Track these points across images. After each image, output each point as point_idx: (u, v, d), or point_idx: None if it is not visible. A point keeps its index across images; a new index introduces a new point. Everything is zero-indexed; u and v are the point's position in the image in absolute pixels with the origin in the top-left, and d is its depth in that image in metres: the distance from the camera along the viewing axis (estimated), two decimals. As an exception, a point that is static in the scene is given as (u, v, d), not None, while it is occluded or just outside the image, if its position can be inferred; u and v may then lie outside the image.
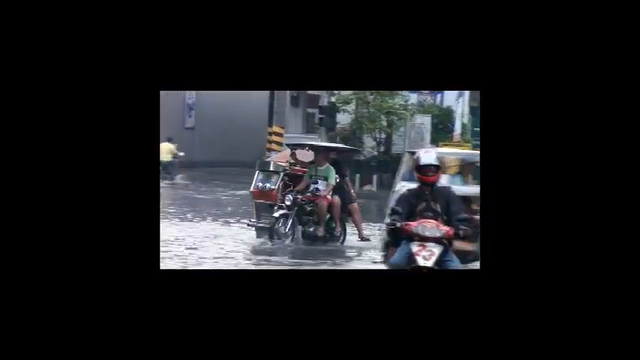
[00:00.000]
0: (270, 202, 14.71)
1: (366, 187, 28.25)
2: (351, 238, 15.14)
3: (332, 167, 14.78)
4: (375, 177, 28.30)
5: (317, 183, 14.72)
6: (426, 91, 28.47)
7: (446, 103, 28.54)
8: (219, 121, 32.57)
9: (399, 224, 8.05)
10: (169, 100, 32.65)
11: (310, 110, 32.68)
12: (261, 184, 15.01)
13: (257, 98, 29.91)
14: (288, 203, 14.48)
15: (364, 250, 14.21)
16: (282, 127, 29.27)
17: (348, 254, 14.22)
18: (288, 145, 17.41)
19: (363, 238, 15.09)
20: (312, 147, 15.72)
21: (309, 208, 14.70)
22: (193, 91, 31.70)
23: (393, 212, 8.31)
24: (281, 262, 12.83)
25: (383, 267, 10.42)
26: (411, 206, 8.28)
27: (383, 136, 29.75)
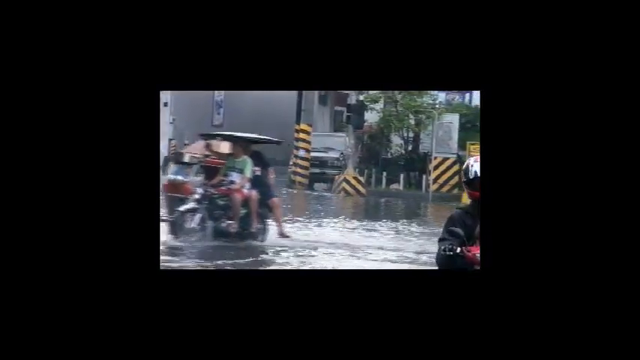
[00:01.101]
0: (182, 195, 13.97)
1: (393, 186, 28.20)
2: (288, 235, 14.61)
3: (249, 159, 14.15)
4: (402, 176, 28.22)
5: (231, 175, 14.04)
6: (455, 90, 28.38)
7: (474, 102, 28.39)
8: (247, 119, 32.59)
9: (458, 250, 6.64)
10: (198, 97, 32.79)
11: (338, 108, 32.65)
12: (172, 177, 14.23)
13: (286, 96, 29.91)
14: (196, 197, 13.79)
15: (283, 249, 13.69)
16: (310, 125, 29.25)
17: (264, 254, 13.55)
18: (201, 135, 16.43)
19: (282, 235, 14.51)
20: (226, 137, 15.03)
21: (222, 203, 14.00)
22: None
23: (452, 234, 6.82)
24: (184, 260, 12.34)
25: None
26: (466, 228, 6.85)
27: (411, 134, 29.67)
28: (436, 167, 25.94)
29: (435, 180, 25.91)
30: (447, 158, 26.17)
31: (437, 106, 28.88)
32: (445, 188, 25.76)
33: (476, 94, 28.81)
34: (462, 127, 27.39)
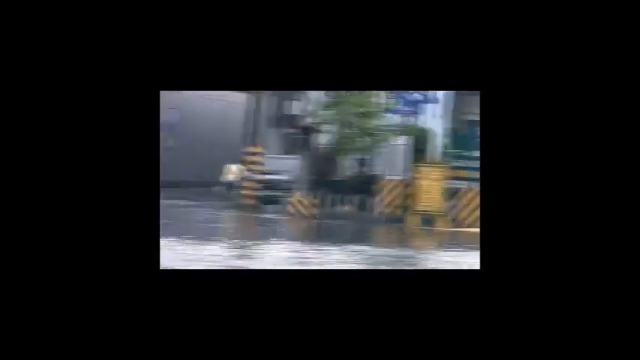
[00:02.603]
0: None
1: (345, 208, 28.09)
2: None
3: None
4: (353, 198, 28.12)
5: None
6: (407, 111, 28.31)
7: (425, 124, 28.39)
8: (200, 141, 32.43)
9: None
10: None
11: (291, 130, 32.60)
12: None
13: (239, 116, 29.80)
14: None
15: None
16: (262, 147, 29.16)
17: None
18: None
19: None
20: None
21: None
22: (175, 110, 31.62)
23: None
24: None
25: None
26: None
27: (363, 157, 29.58)
28: (386, 189, 25.85)
29: (386, 202, 25.81)
30: (397, 180, 26.07)
31: (391, 128, 28.82)
32: (391, 209, 25.65)
33: (428, 117, 28.79)
34: (412, 149, 27.37)
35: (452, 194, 25.53)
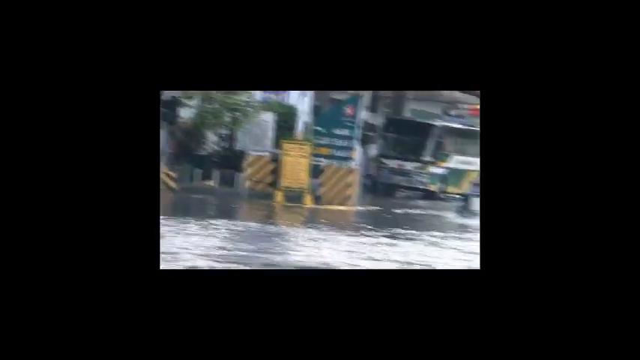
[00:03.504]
0: None
1: (207, 183, 27.97)
2: None
3: None
4: (216, 173, 28.04)
5: None
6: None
7: (290, 102, 28.50)
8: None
9: None
10: None
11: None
12: None
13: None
14: None
15: None
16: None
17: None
18: None
19: None
20: None
21: None
22: None
23: None
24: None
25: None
26: None
27: (226, 132, 29.48)
28: (251, 165, 25.85)
29: (250, 178, 25.82)
30: (262, 156, 26.12)
31: (253, 104, 28.80)
32: (260, 186, 25.69)
33: (291, 93, 28.91)
34: (278, 126, 27.44)
35: (317, 171, 25.76)
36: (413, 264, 14.47)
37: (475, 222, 23.19)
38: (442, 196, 34.74)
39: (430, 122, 35.24)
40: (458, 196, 33.96)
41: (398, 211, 27.53)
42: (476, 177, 33.64)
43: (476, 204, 27.13)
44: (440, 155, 34.86)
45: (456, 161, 35.30)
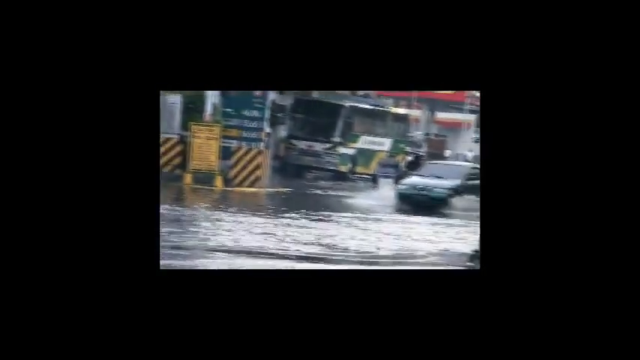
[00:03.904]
0: None
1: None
2: None
3: None
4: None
5: None
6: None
7: (198, 83, 28.25)
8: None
9: None
10: None
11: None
12: None
13: None
14: None
15: None
16: None
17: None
18: None
19: None
20: None
21: None
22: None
23: None
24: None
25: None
26: None
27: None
28: (161, 147, 25.54)
29: (161, 160, 25.50)
30: (170, 138, 25.83)
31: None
32: (167, 168, 25.42)
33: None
34: (185, 109, 27.14)
35: (227, 153, 25.59)
36: (330, 245, 14.50)
37: (381, 203, 23.43)
38: (351, 176, 34.85)
39: (338, 103, 35.23)
40: (366, 177, 34.13)
41: (308, 192, 27.55)
42: (384, 157, 33.85)
43: (383, 184, 27.37)
44: (349, 136, 34.93)
45: (364, 142, 35.41)
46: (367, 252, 14.65)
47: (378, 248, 15.25)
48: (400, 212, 22.28)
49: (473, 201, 20.28)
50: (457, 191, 23.12)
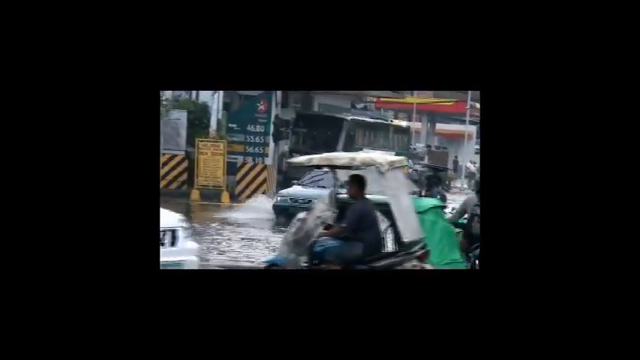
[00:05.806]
0: None
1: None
2: None
3: None
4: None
5: None
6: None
7: (201, 99, 28.26)
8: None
9: None
10: None
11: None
12: None
13: None
14: None
15: None
16: None
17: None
18: None
19: None
20: None
21: None
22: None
23: None
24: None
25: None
26: None
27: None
28: (165, 164, 25.61)
29: (164, 177, 25.59)
30: (176, 155, 25.89)
31: (164, 102, 28.48)
32: (174, 185, 25.47)
33: (202, 91, 28.68)
34: (190, 124, 27.18)
35: (232, 169, 25.65)
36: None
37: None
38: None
39: (340, 116, 35.27)
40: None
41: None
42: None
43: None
44: (352, 149, 34.98)
45: None
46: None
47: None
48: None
49: None
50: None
